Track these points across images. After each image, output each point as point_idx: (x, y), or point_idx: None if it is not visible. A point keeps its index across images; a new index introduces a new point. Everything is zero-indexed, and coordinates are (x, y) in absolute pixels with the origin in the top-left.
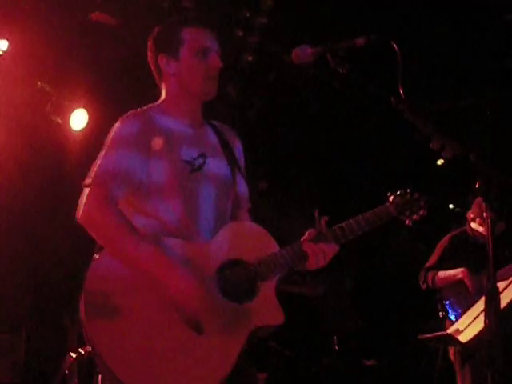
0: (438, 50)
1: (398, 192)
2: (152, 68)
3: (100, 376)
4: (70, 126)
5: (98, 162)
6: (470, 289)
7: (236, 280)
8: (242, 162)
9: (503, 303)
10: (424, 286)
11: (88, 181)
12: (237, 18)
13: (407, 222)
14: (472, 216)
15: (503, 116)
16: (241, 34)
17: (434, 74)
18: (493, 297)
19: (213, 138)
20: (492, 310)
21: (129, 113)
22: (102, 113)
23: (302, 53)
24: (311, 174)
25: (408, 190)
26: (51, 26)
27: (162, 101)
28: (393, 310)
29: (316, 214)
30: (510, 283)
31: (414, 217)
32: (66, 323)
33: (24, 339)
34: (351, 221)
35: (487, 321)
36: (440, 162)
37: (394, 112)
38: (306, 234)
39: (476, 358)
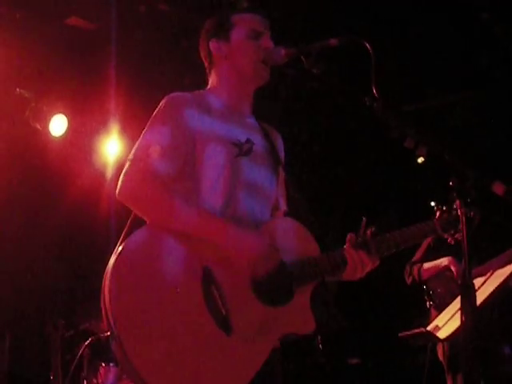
0: (412, 50)
1: (445, 207)
2: (203, 59)
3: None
4: (49, 131)
5: (140, 138)
6: (455, 274)
7: (271, 281)
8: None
9: (479, 300)
10: (409, 280)
11: (130, 156)
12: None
13: (449, 240)
14: None
15: (477, 114)
16: None
17: (409, 74)
18: (468, 294)
19: (259, 131)
20: (468, 307)
21: (176, 92)
22: (81, 118)
23: (276, 54)
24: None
25: (455, 206)
26: (29, 31)
27: (213, 86)
28: (377, 308)
29: (363, 222)
30: (487, 279)
31: (457, 236)
32: (48, 329)
33: (8, 345)
34: (395, 233)
35: (463, 318)
36: (421, 159)
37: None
38: (347, 239)
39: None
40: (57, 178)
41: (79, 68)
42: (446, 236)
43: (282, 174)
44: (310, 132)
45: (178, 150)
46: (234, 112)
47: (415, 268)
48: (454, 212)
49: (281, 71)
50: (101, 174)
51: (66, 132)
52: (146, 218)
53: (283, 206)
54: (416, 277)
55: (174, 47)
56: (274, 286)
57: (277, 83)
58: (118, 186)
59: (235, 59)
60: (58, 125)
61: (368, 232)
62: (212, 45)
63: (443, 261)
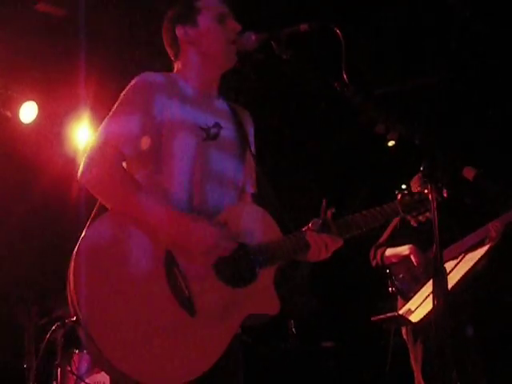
0: (383, 33)
1: (407, 191)
2: (168, 46)
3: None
4: (19, 119)
5: (105, 120)
6: (416, 264)
7: (233, 264)
8: (252, 144)
9: (450, 284)
10: (374, 263)
11: (95, 138)
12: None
13: (413, 222)
14: None
15: (447, 98)
16: None
17: (380, 57)
18: (440, 278)
19: (228, 113)
20: (439, 290)
21: (146, 72)
22: (51, 105)
23: (246, 40)
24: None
25: (419, 190)
26: None
27: (179, 72)
28: (350, 291)
29: (323, 204)
30: (458, 263)
31: (421, 218)
32: (22, 317)
33: None
34: (357, 215)
35: (435, 301)
36: (391, 143)
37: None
38: (310, 224)
39: (426, 334)
40: (27, 166)
41: (49, 54)
42: (408, 218)
43: (249, 156)
44: (280, 116)
45: (144, 138)
46: (201, 96)
47: (379, 252)
48: (416, 195)
49: (251, 55)
50: (71, 161)
51: (36, 119)
52: (107, 204)
53: (250, 188)
54: (379, 261)
55: (143, 32)
56: (236, 269)
57: (246, 67)
58: (81, 169)
59: (203, 43)
60: (28, 112)
61: (328, 213)
62: (178, 31)
63: (404, 249)
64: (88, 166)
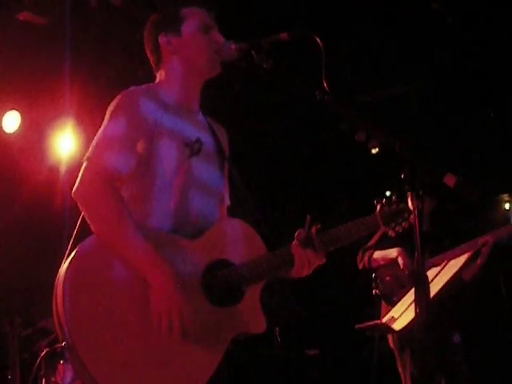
0: (364, 41)
1: (384, 200)
2: (149, 54)
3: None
4: (2, 128)
5: (97, 134)
6: (402, 267)
7: (221, 283)
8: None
9: (433, 291)
10: (361, 266)
11: (87, 154)
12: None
13: (390, 233)
14: None
15: (428, 105)
16: None
17: (362, 65)
18: (422, 286)
19: (206, 127)
20: (421, 299)
21: (131, 88)
22: (35, 114)
23: (227, 49)
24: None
25: (393, 199)
26: None
27: (162, 81)
28: (335, 298)
29: (308, 220)
30: (441, 270)
31: (397, 228)
32: (5, 328)
33: None
34: (340, 228)
35: (417, 309)
36: (375, 150)
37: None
38: (296, 234)
39: (413, 341)
40: (10, 175)
41: (32, 63)
42: (386, 229)
43: (226, 169)
44: (262, 125)
45: (135, 141)
46: (184, 109)
47: (366, 255)
48: (394, 206)
49: (233, 64)
50: (55, 171)
51: (19, 128)
52: (92, 225)
53: (227, 201)
54: (366, 264)
55: (127, 41)
56: (223, 288)
57: (228, 76)
58: (75, 186)
59: (186, 53)
60: (11, 121)
61: (313, 229)
62: (161, 39)
63: (392, 252)
64: (79, 183)
